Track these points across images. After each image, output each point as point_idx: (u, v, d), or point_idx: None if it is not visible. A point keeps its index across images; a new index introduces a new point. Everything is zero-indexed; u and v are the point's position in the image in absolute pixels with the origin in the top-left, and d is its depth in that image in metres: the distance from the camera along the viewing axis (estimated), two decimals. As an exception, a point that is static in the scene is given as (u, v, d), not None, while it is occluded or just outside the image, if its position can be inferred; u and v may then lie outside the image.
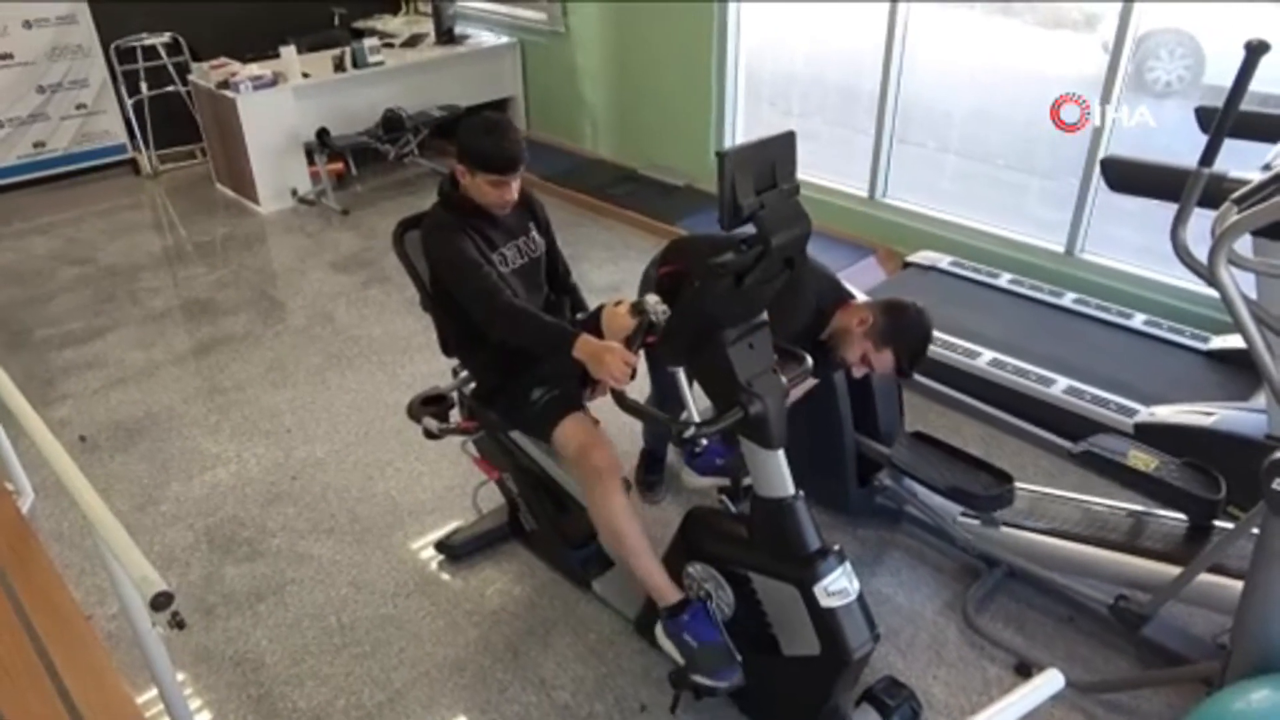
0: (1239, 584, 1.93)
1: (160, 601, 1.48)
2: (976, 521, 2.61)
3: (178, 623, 1.93)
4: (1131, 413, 2.99)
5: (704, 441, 2.48)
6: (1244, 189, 1.82)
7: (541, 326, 2.17)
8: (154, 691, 2.27)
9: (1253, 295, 2.00)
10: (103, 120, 6.13)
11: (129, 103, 6.07)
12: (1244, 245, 2.26)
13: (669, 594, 2.20)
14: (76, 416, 3.63)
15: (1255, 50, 1.93)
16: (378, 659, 2.50)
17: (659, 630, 2.20)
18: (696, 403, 1.95)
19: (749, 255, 1.71)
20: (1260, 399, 2.87)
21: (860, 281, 3.46)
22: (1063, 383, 3.19)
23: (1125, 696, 2.32)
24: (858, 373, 2.49)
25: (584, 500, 2.33)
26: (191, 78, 5.87)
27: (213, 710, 2.37)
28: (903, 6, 4.22)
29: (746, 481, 2.19)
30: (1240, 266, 1.78)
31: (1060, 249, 4.00)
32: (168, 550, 2.90)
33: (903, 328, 2.41)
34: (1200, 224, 1.94)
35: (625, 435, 3.07)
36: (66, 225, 5.54)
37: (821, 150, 5.05)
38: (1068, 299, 3.76)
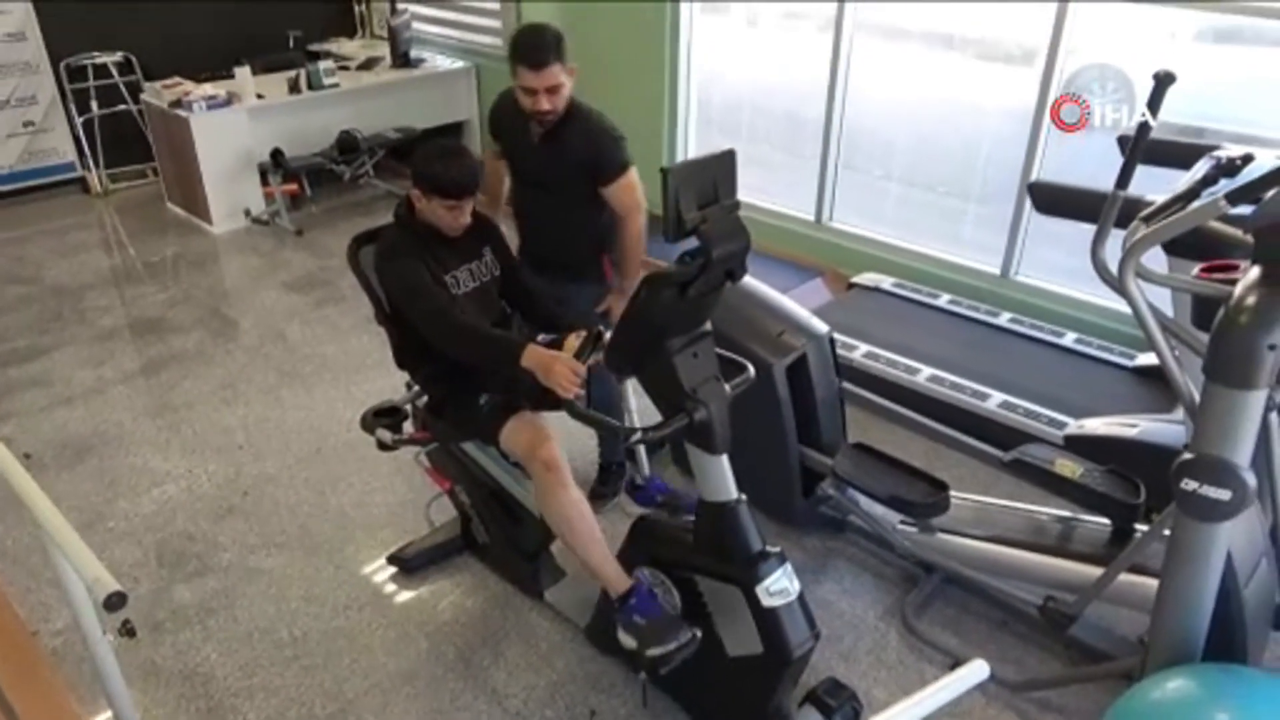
0: (1156, 582, 2.05)
1: (114, 601, 1.50)
2: (915, 529, 2.71)
3: (128, 630, 1.94)
4: (1061, 425, 3.13)
5: (647, 473, 2.60)
6: (1151, 208, 1.95)
7: (490, 340, 2.25)
8: (104, 711, 2.26)
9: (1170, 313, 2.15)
10: (51, 138, 6.06)
11: (79, 121, 6.02)
12: (1163, 266, 2.42)
13: (619, 583, 2.25)
14: (20, 435, 3.58)
15: (1162, 81, 2.08)
16: (329, 670, 2.52)
17: (618, 625, 2.22)
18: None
19: (692, 267, 1.79)
20: (1180, 411, 3.02)
21: (808, 301, 3.57)
22: (997, 397, 3.32)
23: (1055, 694, 2.42)
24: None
25: (535, 506, 2.38)
26: (144, 96, 5.84)
27: (161, 723, 2.36)
28: (845, 39, 4.39)
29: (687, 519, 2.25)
30: (1148, 280, 1.91)
31: (996, 271, 4.17)
32: (115, 566, 2.87)
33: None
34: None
35: (578, 446, 3.12)
36: (12, 244, 5.46)
37: (770, 176, 5.19)
38: (1003, 318, 3.92)
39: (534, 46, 2.52)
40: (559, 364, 2.05)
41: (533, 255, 2.85)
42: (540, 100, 2.55)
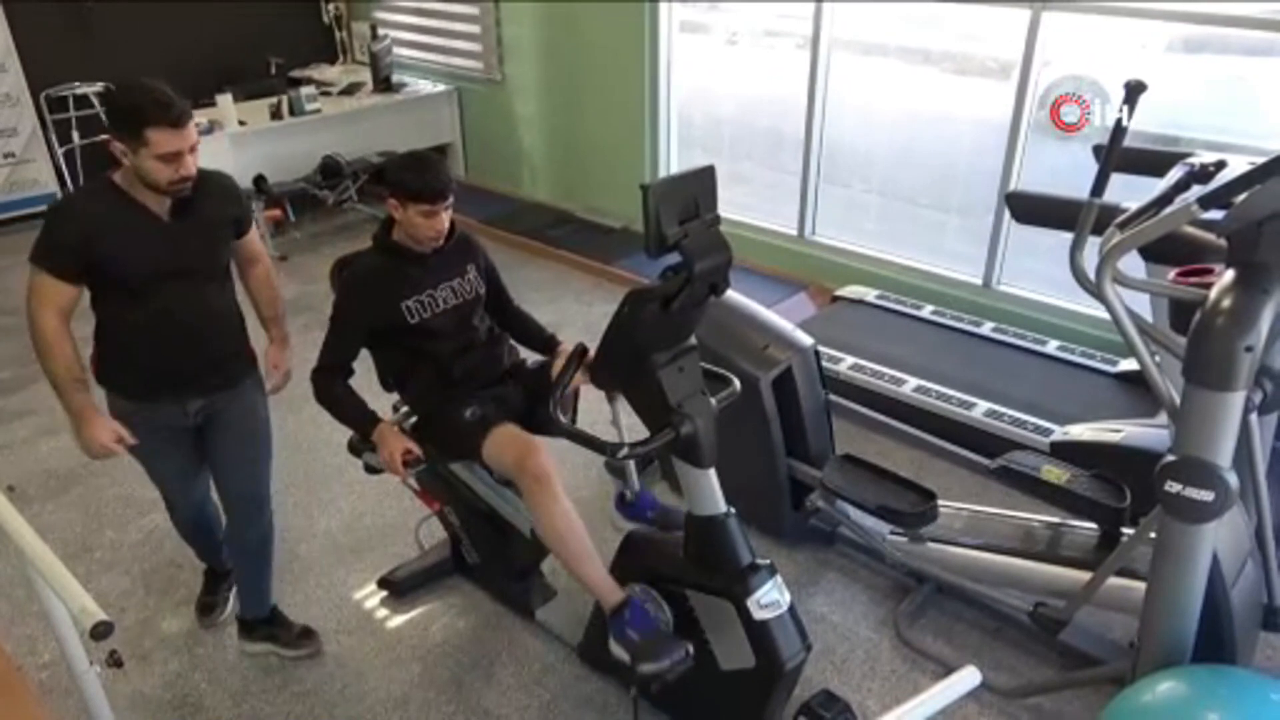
0: (1145, 586, 2.06)
1: (100, 631, 1.49)
2: (905, 539, 2.71)
3: (115, 661, 1.93)
4: (1047, 432, 3.15)
5: (636, 488, 2.56)
6: (1127, 215, 1.98)
7: (346, 415, 2.49)
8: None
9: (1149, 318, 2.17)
10: (32, 169, 6.05)
11: (60, 151, 6.01)
12: (1141, 272, 2.45)
13: (613, 596, 2.22)
14: (5, 466, 3.55)
15: (1134, 90, 2.12)
16: (320, 696, 2.50)
17: (611, 639, 2.20)
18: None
19: (674, 282, 1.81)
20: (1164, 415, 3.04)
21: (793, 315, 3.59)
22: (983, 406, 3.34)
23: (1048, 700, 2.43)
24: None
25: (525, 524, 2.37)
26: (126, 126, 5.84)
27: (150, 755, 2.34)
28: (823, 55, 4.44)
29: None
30: (1125, 285, 1.93)
31: (978, 281, 4.21)
32: (102, 596, 2.81)
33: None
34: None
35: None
36: (-6, 275, 5.43)
37: (753, 192, 5.23)
38: (986, 328, 3.95)
39: (167, 103, 2.03)
40: (393, 442, 2.36)
41: (181, 377, 2.37)
42: (186, 163, 2.11)
